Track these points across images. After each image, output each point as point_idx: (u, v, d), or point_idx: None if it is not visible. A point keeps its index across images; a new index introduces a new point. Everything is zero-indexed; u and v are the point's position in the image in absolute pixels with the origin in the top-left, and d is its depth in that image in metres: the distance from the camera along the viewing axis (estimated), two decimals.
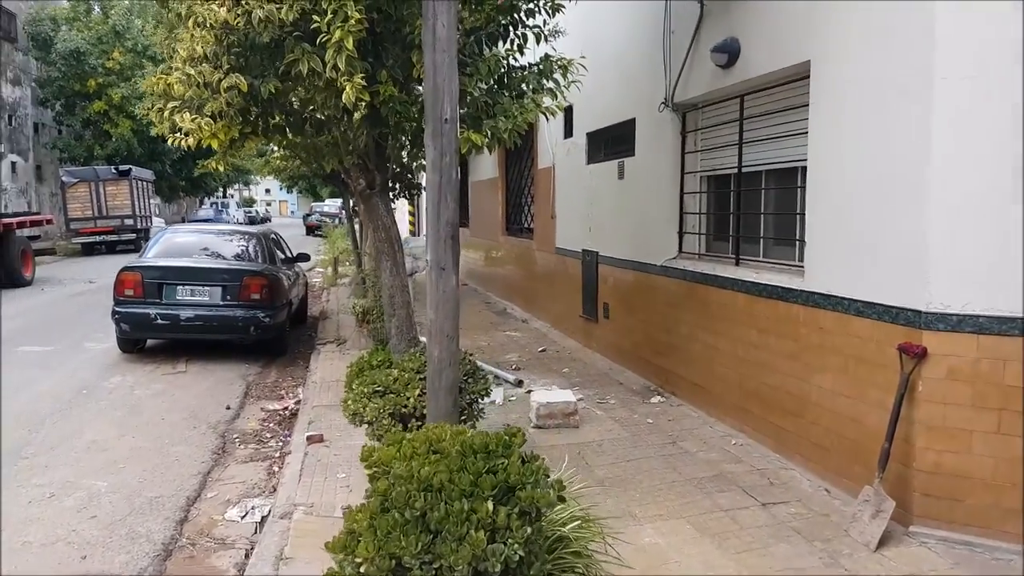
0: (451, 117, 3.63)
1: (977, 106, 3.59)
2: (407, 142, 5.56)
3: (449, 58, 3.65)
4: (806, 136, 4.77)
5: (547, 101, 5.25)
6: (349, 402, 4.19)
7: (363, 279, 10.72)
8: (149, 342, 9.27)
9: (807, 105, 4.74)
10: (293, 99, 4.82)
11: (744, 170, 5.72)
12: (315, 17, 4.07)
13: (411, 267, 13.58)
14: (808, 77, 4.72)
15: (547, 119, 5.79)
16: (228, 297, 8.41)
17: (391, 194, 6.12)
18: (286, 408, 6.79)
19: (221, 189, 50.52)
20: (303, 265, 11.54)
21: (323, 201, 33.85)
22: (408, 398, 4.07)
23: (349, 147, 5.07)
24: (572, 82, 5.38)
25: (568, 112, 8.89)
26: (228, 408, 6.76)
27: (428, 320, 3.39)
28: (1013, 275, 3.55)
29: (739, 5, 5.41)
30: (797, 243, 5.10)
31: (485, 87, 5.05)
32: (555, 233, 10.06)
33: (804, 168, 4.86)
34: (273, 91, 4.42)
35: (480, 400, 4.57)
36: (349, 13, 4.01)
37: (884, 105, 4.01)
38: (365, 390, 4.16)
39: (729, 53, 5.48)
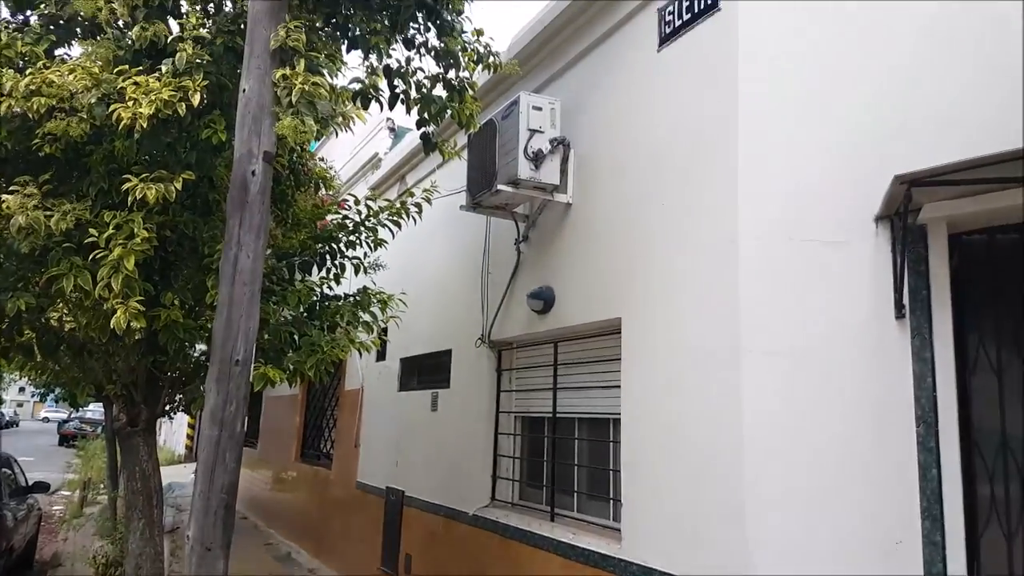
0: (244, 359, 3.27)
1: (785, 381, 3.83)
2: (189, 369, 5.00)
3: (251, 292, 3.38)
4: (619, 389, 4.90)
5: (362, 336, 5.05)
6: None
7: (114, 523, 9.14)
8: None
9: (620, 358, 4.92)
10: (51, 316, 4.21)
11: (559, 415, 5.74)
12: (92, 230, 3.66)
13: (173, 522, 11.89)
14: (620, 332, 4.94)
15: (360, 355, 5.56)
16: None
17: (167, 409, 5.33)
18: None
19: None
20: (40, 495, 9.75)
21: (86, 406, 30.19)
22: None
23: (114, 375, 4.43)
24: (391, 318, 5.27)
25: (383, 334, 8.76)
26: None
27: None
28: (833, 550, 3.62)
29: (553, 258, 5.75)
30: (613, 501, 5.03)
31: (292, 316, 4.77)
32: (357, 464, 9.42)
33: (618, 420, 4.92)
34: (23, 308, 3.81)
35: None
36: (136, 230, 3.66)
37: (694, 371, 4.21)
38: None
39: (544, 300, 5.71)
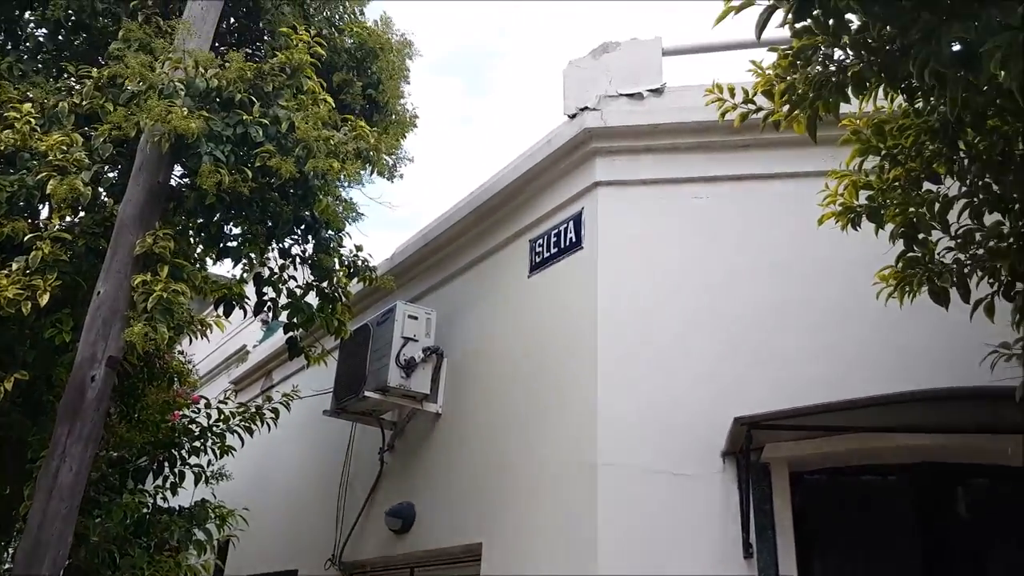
0: None
1: None
2: None
3: (68, 508, 3.25)
4: None
5: (193, 558, 4.76)
6: None
7: None
8: None
9: None
10: None
11: None
12: None
13: None
14: (480, 559, 4.90)
15: None
16: None
17: None
18: None
19: None
20: None
21: None
22: None
23: None
24: (229, 536, 5.03)
25: (223, 548, 8.19)
26: None
27: None
28: None
29: (417, 471, 5.76)
30: None
31: (115, 532, 4.47)
32: None
33: None
34: None
35: None
36: None
37: None
38: None
39: (404, 519, 5.62)
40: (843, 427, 3.94)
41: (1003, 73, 1.83)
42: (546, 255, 5.18)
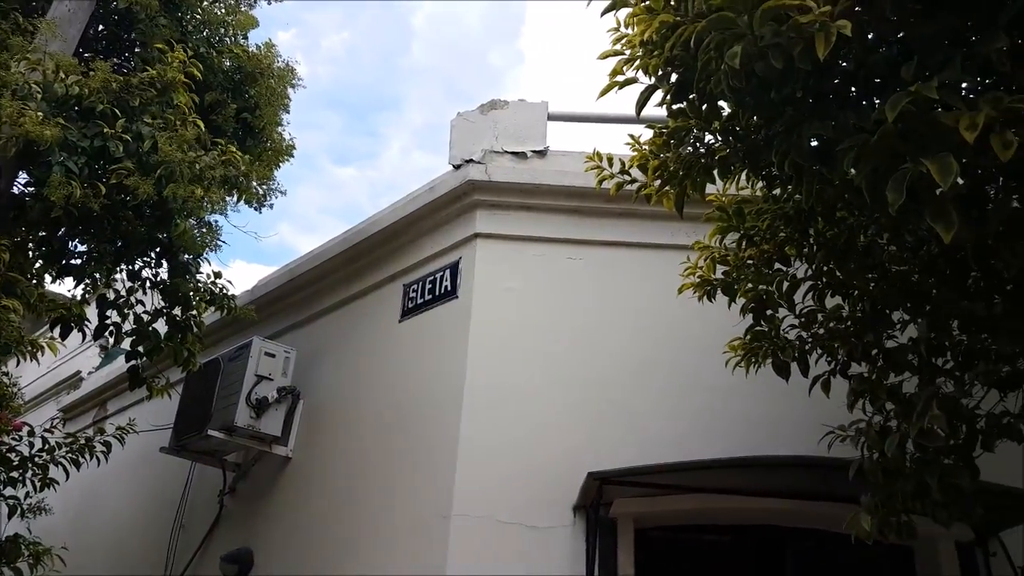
0: None
1: None
2: None
3: None
4: None
5: None
6: None
7: None
8: None
9: None
10: None
11: None
12: None
13: None
14: None
15: None
16: None
17: None
18: None
19: None
20: None
21: None
22: None
23: None
24: None
25: None
26: None
27: None
28: None
29: (261, 517, 5.44)
30: None
31: None
32: None
33: None
34: None
35: None
36: None
37: None
38: None
39: (240, 565, 5.26)
40: (689, 486, 4.07)
41: (854, 171, 1.97)
42: (419, 301, 5.10)
